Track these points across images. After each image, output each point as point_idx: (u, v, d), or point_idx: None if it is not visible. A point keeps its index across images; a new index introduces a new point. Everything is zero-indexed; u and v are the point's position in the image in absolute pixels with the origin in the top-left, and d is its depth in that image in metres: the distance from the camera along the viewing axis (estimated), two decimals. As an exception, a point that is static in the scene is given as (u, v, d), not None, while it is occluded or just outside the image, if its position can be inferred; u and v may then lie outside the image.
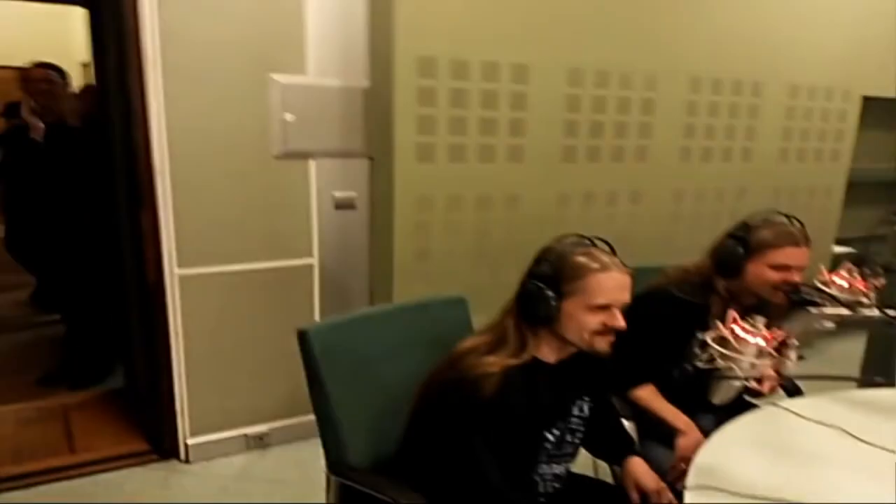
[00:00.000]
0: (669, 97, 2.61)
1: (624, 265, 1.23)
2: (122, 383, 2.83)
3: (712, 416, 1.59)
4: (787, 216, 1.64)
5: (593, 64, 2.41)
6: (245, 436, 2.43)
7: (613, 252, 1.25)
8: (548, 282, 1.19)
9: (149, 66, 1.95)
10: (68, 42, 5.20)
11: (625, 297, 1.21)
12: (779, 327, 1.42)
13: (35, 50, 5.26)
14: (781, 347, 1.51)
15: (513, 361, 1.18)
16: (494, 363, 1.16)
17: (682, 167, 2.74)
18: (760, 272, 1.58)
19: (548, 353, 1.24)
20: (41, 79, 2.68)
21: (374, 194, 2.38)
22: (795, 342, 1.61)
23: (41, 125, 2.63)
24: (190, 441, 2.33)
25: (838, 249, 3.35)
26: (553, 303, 1.17)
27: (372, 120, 2.30)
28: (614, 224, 2.67)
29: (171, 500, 2.12)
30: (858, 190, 3.38)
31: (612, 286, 1.18)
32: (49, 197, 2.72)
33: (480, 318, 2.49)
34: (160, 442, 2.33)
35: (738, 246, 1.61)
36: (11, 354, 3.29)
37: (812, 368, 1.57)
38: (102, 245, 2.60)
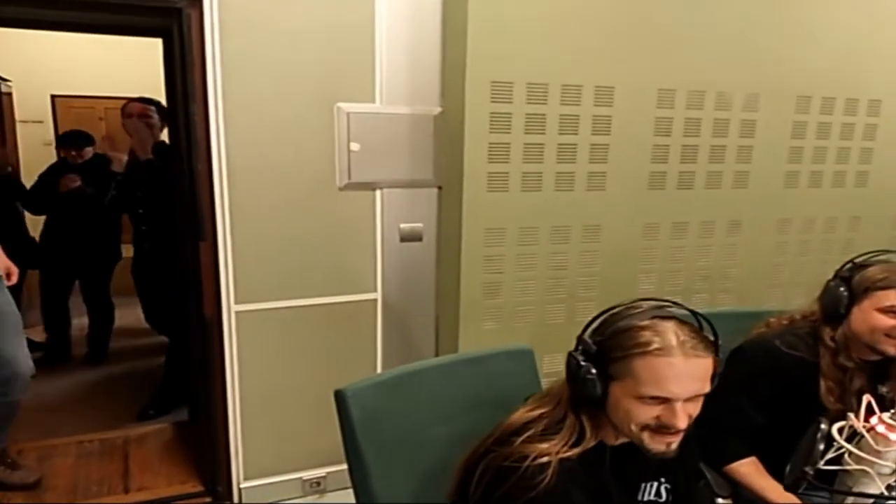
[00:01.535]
0: (773, 118, 2.32)
1: (708, 344, 0.95)
2: (188, 416, 2.78)
3: (828, 496, 1.33)
4: None
5: (687, 83, 2.16)
6: (301, 480, 2.28)
7: (707, 328, 0.98)
8: (592, 358, 0.96)
9: (211, 95, 1.88)
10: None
11: (693, 388, 0.93)
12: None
13: (140, 80, 5.53)
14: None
15: (571, 452, 0.96)
16: (549, 452, 0.94)
17: (787, 194, 2.43)
18: (868, 317, 1.33)
19: (611, 435, 1.01)
20: (137, 113, 2.73)
21: (442, 226, 2.22)
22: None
23: (123, 158, 2.70)
24: (244, 485, 2.21)
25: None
26: (597, 384, 0.95)
27: (442, 148, 2.15)
28: (709, 256, 2.39)
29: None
30: None
31: (668, 375, 0.91)
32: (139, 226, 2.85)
33: (555, 360, 2.26)
34: (215, 484, 2.22)
35: (843, 287, 1.37)
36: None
37: None
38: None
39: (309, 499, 2.29)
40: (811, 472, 1.20)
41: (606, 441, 1.01)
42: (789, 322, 1.50)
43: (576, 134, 2.09)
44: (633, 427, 0.95)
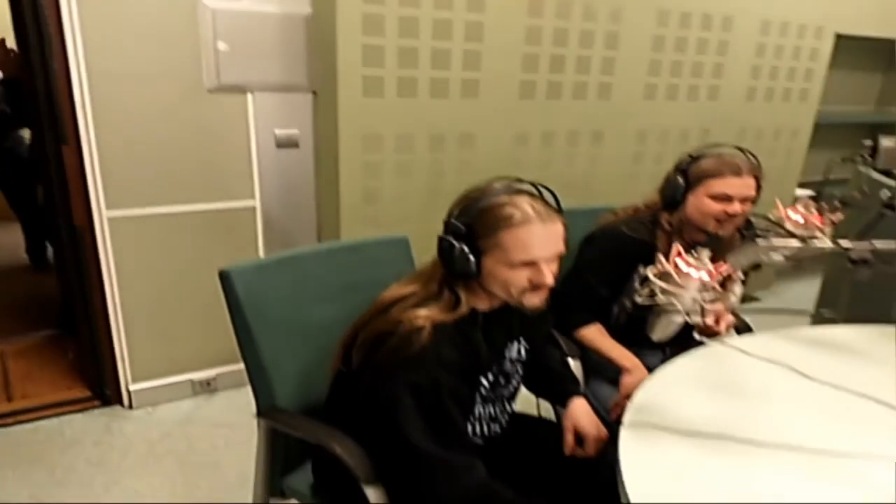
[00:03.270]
0: (635, 31, 2.47)
1: (556, 212, 1.09)
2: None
3: (660, 355, 1.57)
4: (740, 149, 1.57)
5: (554, -9, 2.25)
6: (191, 381, 2.37)
7: (555, 197, 1.12)
8: (462, 238, 1.07)
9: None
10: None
11: (553, 249, 1.08)
12: (725, 260, 1.36)
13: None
14: (726, 281, 1.46)
15: (446, 317, 1.09)
16: (425, 317, 1.06)
17: (646, 106, 2.63)
18: (700, 203, 1.54)
19: (483, 302, 1.16)
20: None
21: (319, 132, 2.25)
22: (741, 275, 1.56)
23: None
24: (133, 387, 2.26)
25: (801, 192, 3.32)
26: (471, 259, 1.07)
27: (315, 50, 2.14)
28: (575, 165, 2.58)
29: (113, 446, 2.07)
30: (826, 132, 3.32)
31: (533, 241, 1.05)
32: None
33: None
34: (102, 388, 2.26)
35: (679, 177, 1.57)
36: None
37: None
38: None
39: (200, 398, 2.38)
40: (629, 305, 1.40)
41: (478, 308, 1.15)
42: (634, 211, 1.69)
43: (449, 40, 2.15)
44: (513, 291, 1.09)
